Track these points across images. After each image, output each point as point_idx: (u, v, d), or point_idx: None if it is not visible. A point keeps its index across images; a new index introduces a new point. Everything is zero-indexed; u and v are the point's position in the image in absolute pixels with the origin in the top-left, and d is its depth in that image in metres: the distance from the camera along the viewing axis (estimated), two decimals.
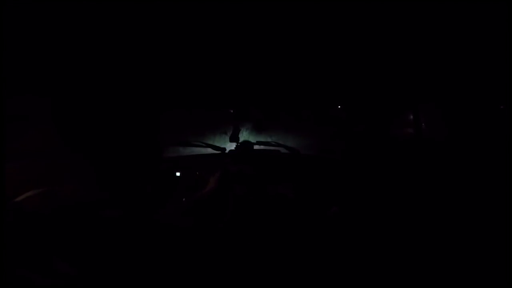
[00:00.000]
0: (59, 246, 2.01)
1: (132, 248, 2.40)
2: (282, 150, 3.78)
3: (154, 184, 3.54)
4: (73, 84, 4.18)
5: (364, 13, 4.62)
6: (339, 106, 5.39)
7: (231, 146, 3.81)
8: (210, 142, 3.92)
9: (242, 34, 4.72)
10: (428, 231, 3.06)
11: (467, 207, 3.36)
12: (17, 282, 2.29)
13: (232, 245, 2.87)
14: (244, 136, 4.46)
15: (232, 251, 2.83)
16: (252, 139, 3.96)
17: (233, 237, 2.94)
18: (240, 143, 3.77)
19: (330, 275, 2.64)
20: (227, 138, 4.05)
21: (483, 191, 3.57)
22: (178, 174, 3.60)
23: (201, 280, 2.63)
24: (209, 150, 3.81)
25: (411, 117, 5.09)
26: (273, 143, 3.85)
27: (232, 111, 5.06)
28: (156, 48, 4.57)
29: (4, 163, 2.49)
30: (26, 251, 2.14)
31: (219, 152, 3.77)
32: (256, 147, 3.78)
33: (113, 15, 4.11)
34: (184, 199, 3.32)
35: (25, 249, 2.12)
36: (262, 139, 4.40)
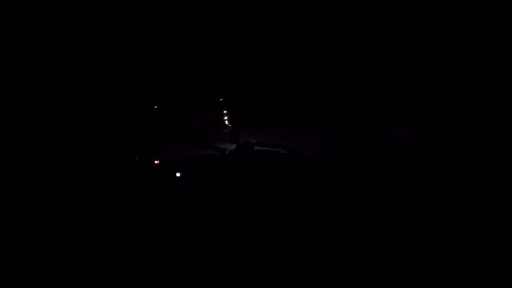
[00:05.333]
0: None
1: None
2: (282, 150, 3.79)
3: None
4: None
5: (364, 13, 4.62)
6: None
7: (231, 147, 3.82)
8: (210, 143, 3.93)
9: (241, 35, 4.72)
10: (428, 231, 3.05)
11: (467, 207, 3.35)
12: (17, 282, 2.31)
13: (231, 244, 2.88)
14: (244, 136, 4.46)
15: (231, 249, 2.84)
16: (252, 139, 3.96)
17: (232, 236, 2.94)
18: (240, 143, 3.78)
19: (329, 273, 2.64)
20: (227, 138, 4.06)
21: (483, 192, 3.56)
22: (178, 174, 3.62)
23: (201, 278, 2.64)
24: (209, 151, 3.82)
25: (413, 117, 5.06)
26: (273, 143, 3.85)
27: (221, 99, 5.03)
28: (154, 48, 4.58)
29: (4, 163, 2.52)
30: None
31: (219, 152, 3.78)
32: (256, 147, 3.78)
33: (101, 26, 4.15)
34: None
35: None
36: (262, 139, 4.41)
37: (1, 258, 2.80)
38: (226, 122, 4.87)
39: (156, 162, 3.83)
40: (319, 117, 5.25)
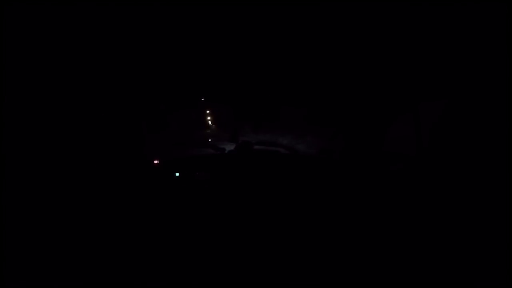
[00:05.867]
0: None
1: None
2: (282, 150, 3.79)
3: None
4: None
5: (364, 13, 4.61)
6: None
7: (230, 147, 3.82)
8: (210, 143, 3.92)
9: (240, 34, 4.72)
10: (427, 231, 3.05)
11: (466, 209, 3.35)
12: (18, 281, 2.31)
13: (231, 243, 2.88)
14: (243, 136, 4.46)
15: (231, 248, 2.84)
16: (252, 139, 3.96)
17: (232, 235, 2.94)
18: (239, 143, 3.79)
19: (328, 273, 2.64)
20: (227, 138, 4.05)
21: (483, 192, 3.55)
22: (177, 174, 3.63)
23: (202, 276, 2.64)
24: (209, 151, 3.82)
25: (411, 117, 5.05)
26: (273, 143, 3.85)
27: (203, 99, 4.88)
28: (153, 48, 4.58)
29: (4, 163, 2.52)
30: None
31: (219, 152, 3.78)
32: (255, 147, 3.79)
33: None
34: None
35: None
36: (261, 139, 4.41)
37: (1, 258, 2.80)
38: (210, 123, 4.72)
39: (156, 162, 3.84)
40: (318, 117, 5.26)
